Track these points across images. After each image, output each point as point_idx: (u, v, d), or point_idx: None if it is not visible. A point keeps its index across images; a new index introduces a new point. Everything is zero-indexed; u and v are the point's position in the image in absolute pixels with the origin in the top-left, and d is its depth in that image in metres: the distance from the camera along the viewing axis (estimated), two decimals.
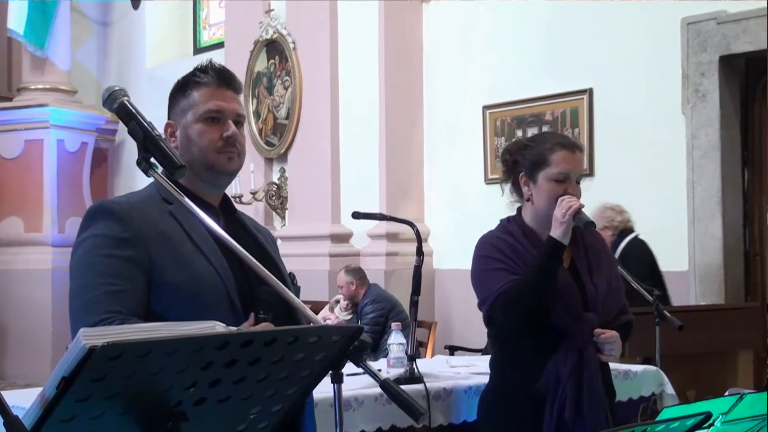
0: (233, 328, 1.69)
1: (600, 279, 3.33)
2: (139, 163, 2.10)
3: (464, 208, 8.19)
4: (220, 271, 2.37)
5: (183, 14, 12.03)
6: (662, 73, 7.08)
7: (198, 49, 11.81)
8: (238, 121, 2.53)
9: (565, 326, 3.22)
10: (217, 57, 10.32)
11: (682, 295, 6.78)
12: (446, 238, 8.48)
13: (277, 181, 9.41)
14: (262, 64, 9.49)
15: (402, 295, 7.81)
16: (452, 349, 7.66)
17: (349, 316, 7.48)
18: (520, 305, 3.19)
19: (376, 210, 8.33)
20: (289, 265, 8.32)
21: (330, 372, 1.88)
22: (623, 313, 3.41)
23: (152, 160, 2.12)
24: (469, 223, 7.61)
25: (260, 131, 9.50)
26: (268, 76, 9.43)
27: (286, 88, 9.20)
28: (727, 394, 2.32)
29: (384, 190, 8.55)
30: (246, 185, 9.23)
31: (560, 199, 3.23)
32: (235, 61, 9.74)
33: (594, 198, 7.52)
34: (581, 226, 3.19)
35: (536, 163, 3.33)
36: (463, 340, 7.91)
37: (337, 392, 1.88)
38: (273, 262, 2.60)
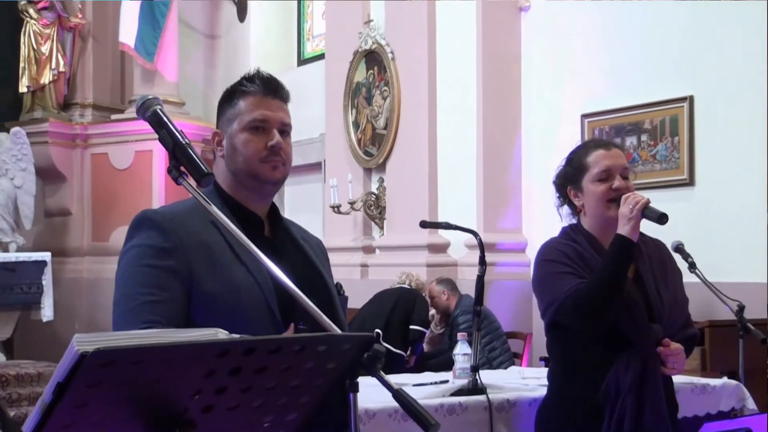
0: (236, 336, 1.68)
1: (665, 290, 3.25)
2: (169, 171, 2.12)
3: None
4: (260, 281, 2.36)
5: (287, 26, 12.19)
6: (766, 79, 6.85)
7: (302, 61, 11.94)
8: (284, 131, 2.53)
9: (631, 336, 3.14)
10: (320, 68, 10.47)
11: None
12: None
13: (375, 191, 9.42)
14: (361, 75, 9.54)
15: (500, 306, 7.75)
16: (548, 361, 7.52)
17: (442, 330, 7.44)
18: (592, 305, 3.11)
19: (473, 219, 8.30)
20: (387, 275, 8.30)
21: (347, 381, 1.85)
22: (688, 326, 3.32)
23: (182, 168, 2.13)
24: None
25: (359, 141, 9.53)
26: (367, 86, 9.47)
27: (384, 98, 9.23)
28: None
29: (481, 199, 8.48)
30: (344, 195, 9.28)
31: (624, 196, 3.19)
32: (335, 71, 9.83)
33: (696, 208, 7.37)
34: (655, 220, 3.12)
35: (578, 172, 3.33)
36: None
37: (353, 402, 1.85)
38: (319, 273, 2.59)
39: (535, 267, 3.36)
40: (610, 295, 3.12)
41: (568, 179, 3.38)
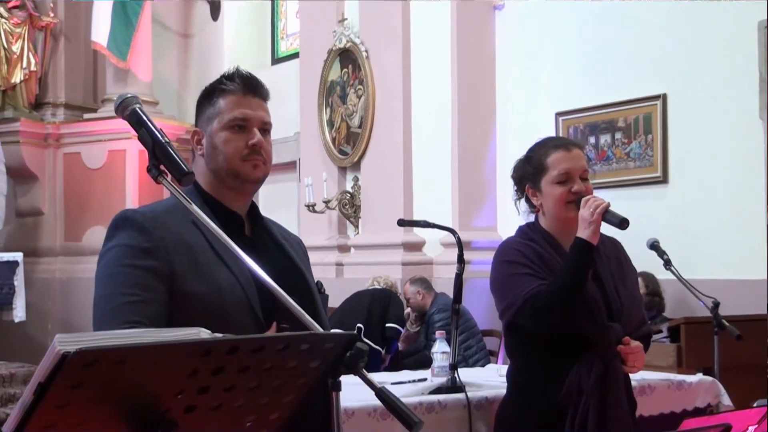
0: (218, 335, 1.67)
1: (624, 290, 3.24)
2: (149, 170, 2.10)
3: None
4: (242, 280, 2.35)
5: (261, 25, 12.16)
6: (739, 78, 6.90)
7: (276, 59, 11.92)
8: (265, 129, 2.52)
9: (592, 336, 3.13)
10: (294, 67, 10.44)
11: (761, 305, 6.59)
12: None
13: (350, 190, 9.41)
14: (335, 73, 9.52)
15: (475, 304, 7.74)
16: None
17: (418, 328, 7.44)
18: (552, 309, 3.08)
19: (448, 218, 8.30)
20: (362, 274, 8.27)
21: (329, 380, 1.85)
22: (643, 323, 3.32)
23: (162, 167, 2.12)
24: None
25: (333, 140, 9.52)
26: (341, 85, 9.46)
27: (359, 97, 9.22)
28: (755, 405, 2.23)
29: (456, 197, 8.50)
30: (319, 194, 9.26)
31: (584, 200, 3.14)
32: (310, 70, 9.80)
33: (669, 205, 7.41)
34: (616, 224, 3.09)
35: (537, 171, 3.27)
36: None
37: (335, 401, 1.85)
38: (300, 271, 2.58)
39: (493, 267, 3.31)
40: (569, 299, 3.09)
41: (527, 177, 3.32)
